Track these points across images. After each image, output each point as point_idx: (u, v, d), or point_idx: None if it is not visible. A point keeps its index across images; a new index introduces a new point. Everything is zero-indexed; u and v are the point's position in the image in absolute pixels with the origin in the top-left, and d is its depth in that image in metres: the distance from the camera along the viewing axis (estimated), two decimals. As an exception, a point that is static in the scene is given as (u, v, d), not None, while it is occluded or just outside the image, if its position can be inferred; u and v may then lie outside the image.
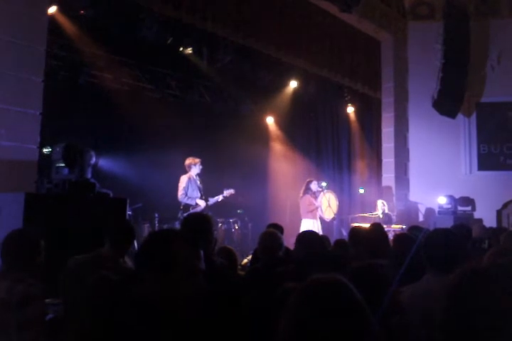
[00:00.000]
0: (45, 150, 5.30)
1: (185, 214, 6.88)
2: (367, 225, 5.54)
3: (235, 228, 9.02)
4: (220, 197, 7.52)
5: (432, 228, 5.21)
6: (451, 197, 9.86)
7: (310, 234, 4.00)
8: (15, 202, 4.04)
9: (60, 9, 6.65)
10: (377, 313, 1.96)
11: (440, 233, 3.09)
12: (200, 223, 2.94)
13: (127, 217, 4.94)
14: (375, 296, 2.05)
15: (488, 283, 1.89)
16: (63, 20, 6.90)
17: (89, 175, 4.60)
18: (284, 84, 10.16)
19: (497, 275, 1.99)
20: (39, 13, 5.34)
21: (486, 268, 2.13)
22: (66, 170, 4.50)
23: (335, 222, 9.34)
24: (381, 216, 9.40)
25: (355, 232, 4.45)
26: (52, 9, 6.36)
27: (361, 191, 10.91)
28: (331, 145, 12.07)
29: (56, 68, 7.29)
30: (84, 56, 7.64)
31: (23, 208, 3.92)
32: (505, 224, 9.57)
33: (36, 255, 2.81)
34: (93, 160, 4.72)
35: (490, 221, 9.36)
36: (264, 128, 11.17)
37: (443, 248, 2.83)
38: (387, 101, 11.08)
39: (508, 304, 1.86)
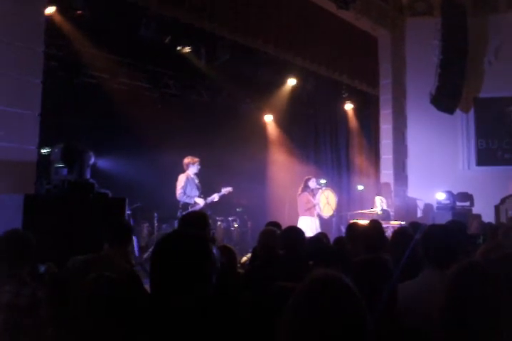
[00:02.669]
0: (43, 150, 5.31)
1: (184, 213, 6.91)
2: (365, 222, 5.56)
3: (234, 226, 9.06)
4: (216, 197, 7.53)
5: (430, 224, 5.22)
6: (449, 193, 9.88)
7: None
8: (14, 203, 4.06)
9: (58, 10, 6.65)
10: (378, 307, 1.99)
11: (437, 229, 3.12)
12: (195, 221, 2.97)
13: (126, 216, 4.96)
14: (379, 289, 2.08)
15: (485, 278, 1.92)
16: (61, 21, 6.90)
17: (88, 176, 4.62)
18: (283, 81, 10.17)
19: (492, 270, 2.02)
20: (36, 13, 5.35)
21: (482, 263, 2.16)
22: (65, 171, 4.51)
23: (334, 219, 9.37)
24: (380, 212, 9.41)
25: (352, 228, 4.48)
26: (50, 10, 6.36)
27: (360, 188, 10.93)
28: (329, 143, 12.10)
29: (54, 69, 7.31)
30: (82, 56, 7.65)
31: (23, 209, 3.95)
32: (503, 219, 9.59)
33: (28, 254, 2.81)
34: (92, 160, 4.74)
35: (488, 216, 9.38)
36: (263, 125, 11.20)
37: (440, 243, 2.86)
38: (385, 98, 11.09)
39: (503, 297, 1.89)
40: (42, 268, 3.13)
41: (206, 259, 1.77)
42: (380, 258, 2.44)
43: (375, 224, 4.61)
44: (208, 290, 1.74)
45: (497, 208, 10.18)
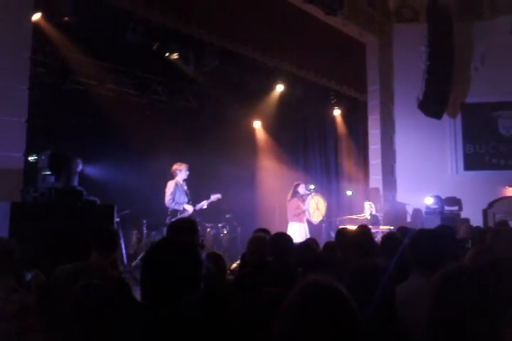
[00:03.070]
0: (30, 158, 5.27)
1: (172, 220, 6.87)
2: (354, 227, 5.57)
3: (223, 233, 9.02)
4: (205, 204, 7.51)
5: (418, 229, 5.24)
6: (438, 198, 9.94)
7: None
8: (1, 211, 4.02)
9: (44, 16, 6.62)
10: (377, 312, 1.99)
11: (425, 233, 3.14)
12: (184, 227, 2.96)
13: (115, 224, 4.92)
14: (378, 294, 2.08)
15: (473, 281, 1.93)
16: (48, 27, 6.87)
17: (75, 183, 4.58)
18: (271, 87, 10.19)
19: (481, 274, 2.04)
20: (23, 20, 5.32)
21: (470, 267, 2.17)
22: (52, 178, 4.47)
23: (323, 225, 9.37)
24: (369, 217, 9.45)
25: (341, 234, 4.48)
26: (37, 16, 6.33)
27: (349, 193, 10.96)
28: (318, 148, 12.13)
29: (41, 75, 7.26)
30: (69, 63, 7.62)
31: (9, 218, 3.90)
32: (491, 223, 9.67)
33: (12, 262, 2.79)
34: (79, 167, 4.70)
35: (476, 220, 9.46)
36: (252, 132, 11.21)
37: (429, 248, 2.88)
38: (373, 104, 11.16)
39: (491, 300, 1.90)
40: (28, 276, 3.09)
41: (195, 266, 1.78)
42: (376, 263, 2.44)
43: (364, 230, 4.63)
44: (196, 296, 1.75)
45: (485, 212, 10.26)
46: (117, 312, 2.03)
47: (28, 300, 2.64)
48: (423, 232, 3.20)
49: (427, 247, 2.88)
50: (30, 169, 5.12)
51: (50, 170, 4.47)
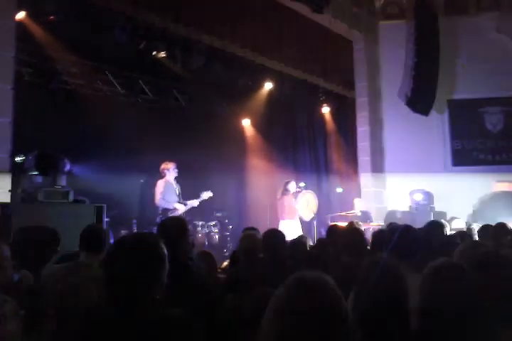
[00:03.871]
0: (17, 158, 5.22)
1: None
2: (345, 224, 5.59)
3: (214, 231, 9.01)
4: (196, 202, 7.48)
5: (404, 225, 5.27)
6: (427, 193, 9.99)
7: None
8: (-13, 212, 3.98)
9: (29, 15, 6.55)
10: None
11: (412, 230, 3.17)
12: (174, 226, 2.95)
13: (105, 224, 4.89)
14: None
15: (461, 277, 1.94)
16: (32, 26, 6.80)
17: (63, 183, 4.55)
18: (259, 85, 10.18)
19: (469, 269, 2.04)
20: (5, 18, 5.27)
21: (458, 262, 2.18)
22: (40, 179, 4.44)
23: (314, 222, 9.38)
24: (359, 214, 9.48)
25: (332, 231, 4.49)
26: (21, 15, 6.26)
27: (339, 190, 10.99)
28: (307, 146, 12.15)
29: (27, 75, 7.19)
30: (55, 62, 7.56)
31: (-4, 218, 3.87)
32: (480, 219, 9.74)
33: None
34: (67, 167, 4.67)
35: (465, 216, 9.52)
36: (241, 130, 11.20)
37: (411, 245, 2.90)
38: (361, 101, 11.17)
39: (480, 296, 1.90)
40: (16, 277, 3.06)
41: (157, 262, 1.77)
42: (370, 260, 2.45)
43: (354, 227, 4.65)
44: (159, 293, 1.74)
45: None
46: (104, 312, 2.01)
47: (6, 308, 2.57)
48: (410, 228, 3.23)
49: (413, 243, 2.91)
50: (18, 170, 5.07)
51: (37, 170, 4.44)
